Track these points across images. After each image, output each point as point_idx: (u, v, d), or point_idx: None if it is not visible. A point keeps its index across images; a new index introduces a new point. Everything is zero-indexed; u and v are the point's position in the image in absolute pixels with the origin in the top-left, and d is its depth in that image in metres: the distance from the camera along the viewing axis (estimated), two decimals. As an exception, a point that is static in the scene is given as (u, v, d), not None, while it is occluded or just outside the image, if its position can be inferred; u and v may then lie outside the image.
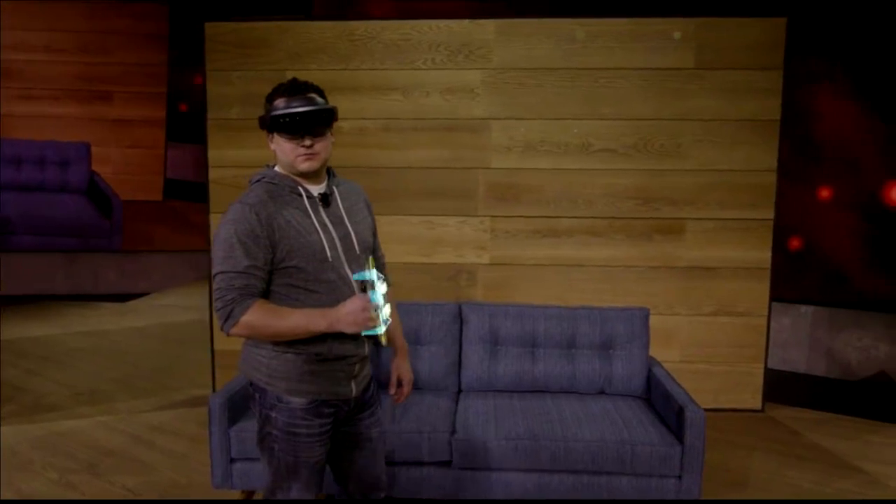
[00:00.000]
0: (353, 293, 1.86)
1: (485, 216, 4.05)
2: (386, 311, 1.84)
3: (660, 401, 2.99)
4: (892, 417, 4.09)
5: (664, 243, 4.01)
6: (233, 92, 4.05)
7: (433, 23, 3.95)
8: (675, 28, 3.86)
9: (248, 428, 2.78)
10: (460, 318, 3.27)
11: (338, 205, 1.93)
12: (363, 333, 1.81)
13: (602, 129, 3.95)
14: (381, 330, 1.80)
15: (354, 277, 1.84)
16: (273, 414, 1.85)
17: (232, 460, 2.79)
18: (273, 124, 1.80)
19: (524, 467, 2.69)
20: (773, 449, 3.54)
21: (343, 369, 1.89)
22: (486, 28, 3.93)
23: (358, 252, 1.91)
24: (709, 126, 3.92)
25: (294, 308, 1.78)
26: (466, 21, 3.94)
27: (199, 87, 4.12)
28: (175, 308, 6.69)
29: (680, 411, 2.66)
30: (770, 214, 3.97)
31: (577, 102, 3.94)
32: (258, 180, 1.86)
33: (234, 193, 4.09)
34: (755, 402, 4.08)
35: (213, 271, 1.78)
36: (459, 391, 3.24)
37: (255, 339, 1.84)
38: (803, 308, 5.41)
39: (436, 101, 3.97)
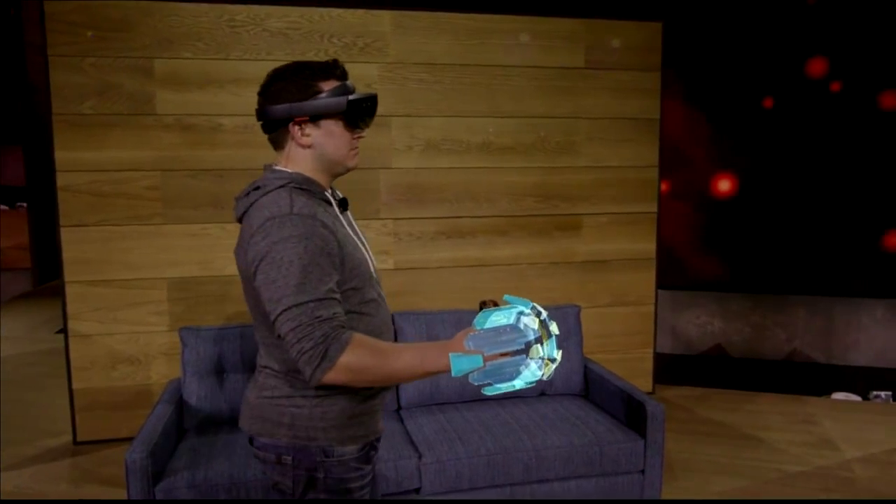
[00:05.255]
0: (388, 311, 1.61)
1: (388, 219, 3.82)
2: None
3: (602, 396, 3.02)
4: (751, 386, 4.57)
5: (562, 239, 4.08)
6: (85, 82, 3.40)
7: (324, 11, 3.63)
8: (567, 27, 3.93)
9: (179, 484, 2.34)
10: (394, 329, 3.03)
11: (348, 212, 1.65)
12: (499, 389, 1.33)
13: (501, 127, 3.91)
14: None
15: (521, 307, 1.32)
16: (320, 475, 1.49)
17: (159, 525, 2.32)
18: (350, 111, 1.48)
19: (497, 483, 2.56)
20: (677, 429, 3.76)
21: (381, 402, 1.62)
22: (382, 19, 3.70)
23: (376, 265, 1.66)
24: (599, 124, 4.05)
25: (395, 342, 1.45)
26: (361, 11, 3.68)
27: None
28: (-20, 342, 5.55)
29: (640, 406, 2.69)
30: (654, 208, 4.21)
31: (477, 99, 3.86)
32: (282, 185, 1.47)
33: (92, 203, 3.47)
34: (647, 385, 4.32)
35: (281, 306, 1.35)
36: (399, 409, 3.01)
37: (349, 385, 1.42)
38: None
39: (331, 96, 3.66)
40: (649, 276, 4.25)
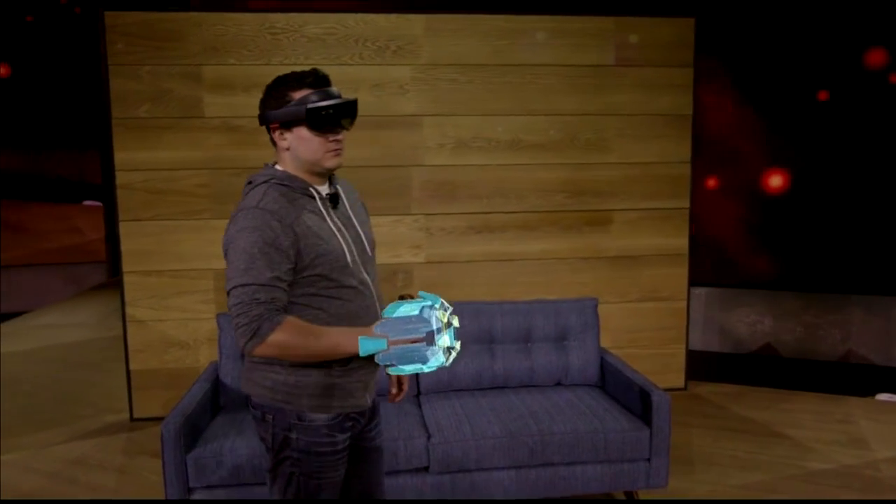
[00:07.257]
0: (374, 298, 1.77)
1: (419, 214, 3.98)
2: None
3: (616, 387, 3.08)
4: (795, 385, 4.48)
5: (592, 234, 4.14)
6: (141, 88, 3.71)
7: (359, 16, 3.82)
8: (596, 25, 3.99)
9: (207, 454, 2.57)
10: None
11: (344, 205, 1.82)
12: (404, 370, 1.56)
13: (531, 125, 4.01)
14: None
15: (430, 301, 1.56)
16: (293, 435, 1.71)
17: (190, 490, 2.56)
18: (310, 118, 1.64)
19: (502, 465, 2.68)
20: (705, 424, 3.77)
21: (362, 380, 1.78)
22: (415, 23, 3.86)
23: (370, 254, 1.83)
24: (629, 120, 4.09)
25: (326, 326, 1.65)
26: (394, 16, 3.85)
27: None
28: (58, 328, 6.05)
29: (647, 396, 2.75)
30: (686, 203, 4.21)
31: (507, 98, 3.97)
32: (265, 181, 1.69)
33: (147, 199, 3.78)
34: (679, 380, 4.32)
35: (230, 285, 1.59)
36: (419, 394, 3.17)
37: (280, 359, 1.67)
38: (697, 290, 5.81)
39: (365, 97, 3.83)
40: (682, 272, 4.25)
